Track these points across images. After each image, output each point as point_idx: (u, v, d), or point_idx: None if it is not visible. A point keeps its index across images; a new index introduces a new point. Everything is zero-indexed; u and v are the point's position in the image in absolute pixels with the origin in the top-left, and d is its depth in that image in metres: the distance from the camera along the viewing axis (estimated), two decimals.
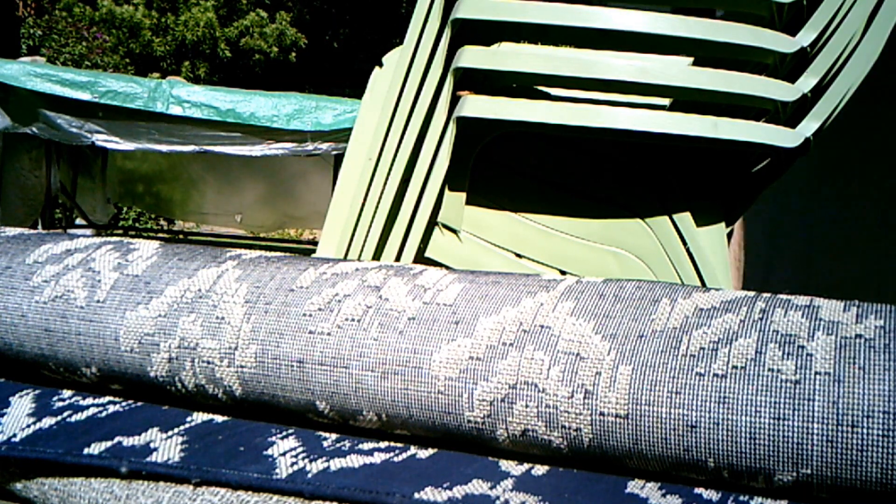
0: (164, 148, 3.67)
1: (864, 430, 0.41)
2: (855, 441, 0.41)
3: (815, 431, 0.42)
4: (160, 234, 7.10)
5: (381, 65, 1.08)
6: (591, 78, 0.98)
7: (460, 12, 0.97)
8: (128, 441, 0.54)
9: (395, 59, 1.06)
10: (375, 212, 1.04)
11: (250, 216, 5.71)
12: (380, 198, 1.03)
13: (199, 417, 0.57)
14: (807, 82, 0.96)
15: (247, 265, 0.60)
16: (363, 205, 1.04)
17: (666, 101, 1.09)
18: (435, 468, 0.50)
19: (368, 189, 1.04)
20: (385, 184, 1.03)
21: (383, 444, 0.53)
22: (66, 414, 0.58)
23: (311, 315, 0.54)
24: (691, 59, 1.08)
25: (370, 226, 1.04)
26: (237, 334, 0.55)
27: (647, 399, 0.45)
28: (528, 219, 1.11)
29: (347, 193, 1.05)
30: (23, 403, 0.60)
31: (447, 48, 0.99)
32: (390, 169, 1.03)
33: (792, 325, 0.46)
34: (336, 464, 0.50)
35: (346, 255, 1.05)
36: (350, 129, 1.12)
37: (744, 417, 0.43)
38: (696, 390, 0.45)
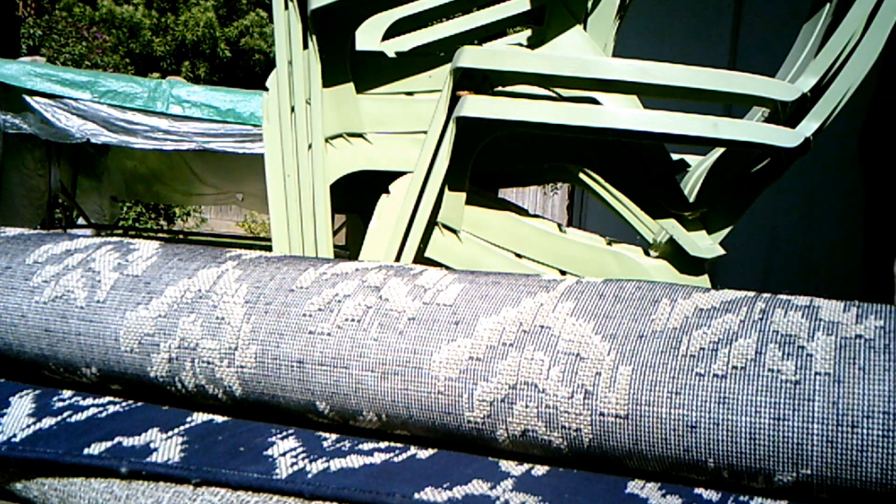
0: (164, 147, 3.67)
1: (864, 431, 0.41)
2: (855, 441, 0.41)
3: (815, 432, 0.42)
4: (160, 234, 7.09)
5: (267, 89, 1.13)
6: (591, 78, 0.98)
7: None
8: (128, 441, 0.54)
9: (274, 80, 1.11)
10: (315, 221, 1.06)
11: (251, 203, 5.75)
12: (314, 207, 1.06)
13: (199, 417, 0.57)
14: (807, 82, 0.96)
15: (247, 265, 0.60)
16: (301, 220, 1.08)
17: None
18: (435, 468, 0.50)
19: (300, 202, 1.08)
20: (313, 194, 1.06)
21: (383, 445, 0.53)
22: (66, 414, 0.58)
23: (311, 315, 0.54)
24: None
25: (302, 235, 1.08)
26: (237, 334, 0.55)
27: (647, 399, 0.45)
28: (528, 219, 1.11)
29: (281, 212, 1.09)
30: (23, 403, 0.60)
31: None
32: (312, 178, 1.06)
33: (792, 326, 0.46)
34: (336, 464, 0.50)
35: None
36: None
37: (744, 418, 0.43)
38: (696, 390, 0.45)
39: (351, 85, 1.11)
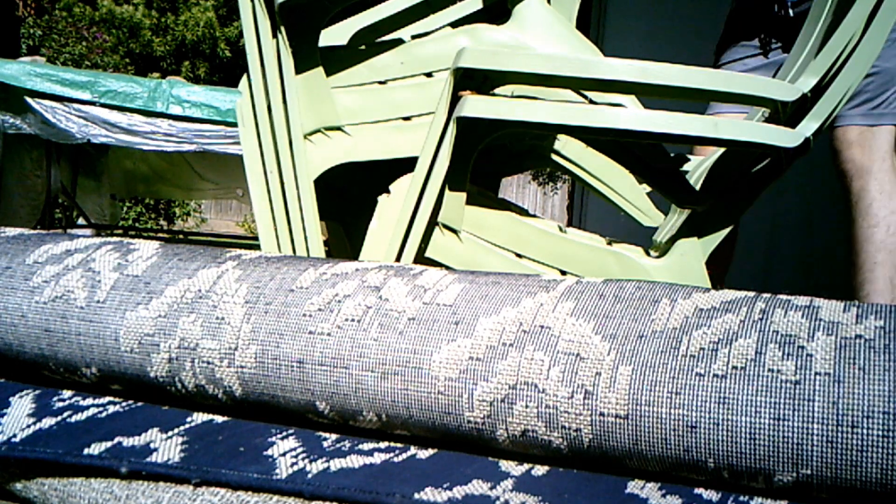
0: (165, 148, 3.67)
1: (864, 431, 0.41)
2: (855, 442, 0.41)
3: (815, 432, 0.42)
4: (160, 234, 7.09)
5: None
6: (591, 78, 0.98)
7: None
8: (128, 441, 0.54)
9: (245, 85, 1.12)
10: (303, 219, 1.07)
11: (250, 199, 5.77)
12: (299, 205, 1.07)
13: (199, 417, 0.57)
14: (807, 82, 0.96)
15: (247, 265, 0.60)
16: (288, 220, 1.09)
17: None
18: (435, 468, 0.50)
19: (285, 203, 1.09)
20: (298, 191, 1.07)
21: (383, 445, 0.53)
22: (66, 414, 0.58)
23: (311, 315, 0.54)
24: None
25: (291, 235, 1.08)
26: (237, 335, 0.55)
27: (647, 399, 0.45)
28: (528, 219, 1.11)
29: (266, 214, 1.10)
30: (23, 403, 0.60)
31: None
32: (295, 175, 1.07)
33: (792, 326, 0.46)
34: (336, 464, 0.50)
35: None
36: None
37: (744, 418, 0.43)
38: (695, 391, 0.45)
39: (323, 75, 1.11)
